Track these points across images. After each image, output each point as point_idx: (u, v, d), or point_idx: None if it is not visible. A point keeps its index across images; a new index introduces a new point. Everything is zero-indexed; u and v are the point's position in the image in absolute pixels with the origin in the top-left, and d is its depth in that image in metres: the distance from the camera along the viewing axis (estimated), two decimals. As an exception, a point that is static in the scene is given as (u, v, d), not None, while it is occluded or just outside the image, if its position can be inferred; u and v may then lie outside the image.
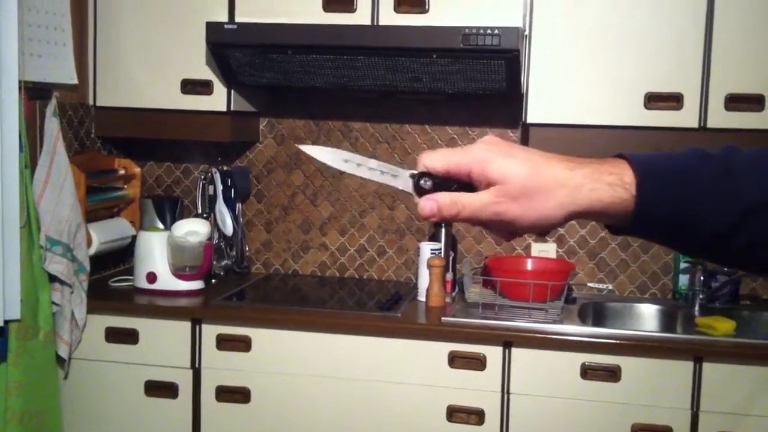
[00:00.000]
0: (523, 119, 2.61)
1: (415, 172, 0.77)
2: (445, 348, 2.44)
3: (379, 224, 3.07)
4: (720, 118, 2.49)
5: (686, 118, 2.52)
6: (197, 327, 2.57)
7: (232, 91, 2.76)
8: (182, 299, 2.67)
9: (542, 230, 0.75)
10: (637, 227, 0.74)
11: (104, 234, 2.78)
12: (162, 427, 2.60)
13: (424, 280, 2.68)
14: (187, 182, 3.18)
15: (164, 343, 2.59)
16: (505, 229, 0.76)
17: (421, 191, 0.77)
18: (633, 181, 0.72)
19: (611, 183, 0.72)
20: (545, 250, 2.94)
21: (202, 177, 3.00)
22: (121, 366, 2.61)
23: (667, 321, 2.79)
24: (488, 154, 0.74)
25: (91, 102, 2.84)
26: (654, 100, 2.53)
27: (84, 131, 2.84)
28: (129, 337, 2.60)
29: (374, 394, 2.48)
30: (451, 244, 2.83)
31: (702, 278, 2.70)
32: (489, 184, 0.74)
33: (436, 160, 0.76)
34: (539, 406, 2.40)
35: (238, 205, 3.05)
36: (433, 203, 0.75)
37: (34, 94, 2.51)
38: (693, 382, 2.33)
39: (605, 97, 2.56)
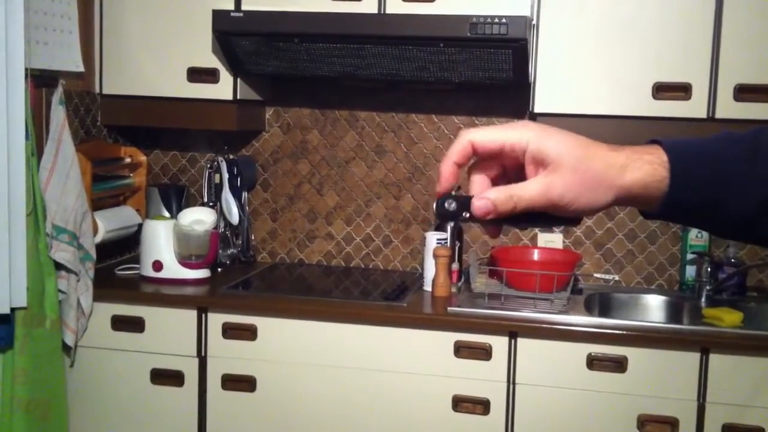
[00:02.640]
0: (531, 109, 2.60)
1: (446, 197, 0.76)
2: (451, 338, 2.43)
3: (385, 214, 3.06)
4: (729, 108, 2.48)
5: (695, 108, 2.50)
6: (203, 315, 2.57)
7: (239, 79, 2.76)
8: (188, 288, 2.67)
9: (591, 213, 0.75)
10: (669, 206, 0.74)
11: (110, 222, 2.78)
12: (168, 416, 2.60)
13: (430, 270, 2.67)
14: (193, 171, 3.18)
15: (170, 331, 2.59)
16: (558, 213, 0.75)
17: (445, 214, 0.76)
18: (667, 160, 0.73)
19: (651, 161, 0.74)
20: (552, 240, 2.93)
21: (208, 166, 2.99)
22: (127, 354, 2.61)
23: (674, 312, 2.78)
24: (542, 129, 0.75)
25: (97, 90, 2.84)
26: (662, 90, 2.52)
27: (90, 119, 2.83)
28: (135, 325, 2.60)
29: (380, 384, 2.48)
30: (457, 234, 2.83)
31: (709, 269, 2.69)
32: (540, 163, 0.74)
33: (488, 134, 0.75)
34: (545, 397, 2.40)
35: (244, 194, 3.05)
36: (487, 201, 0.74)
37: (41, 81, 2.50)
38: (699, 373, 2.32)
39: (613, 87, 2.55)
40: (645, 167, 0.73)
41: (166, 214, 2.92)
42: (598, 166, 0.73)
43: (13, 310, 2.35)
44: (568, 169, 0.73)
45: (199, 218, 2.70)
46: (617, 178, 0.73)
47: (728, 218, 0.75)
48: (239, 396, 2.56)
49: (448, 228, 2.77)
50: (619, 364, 2.35)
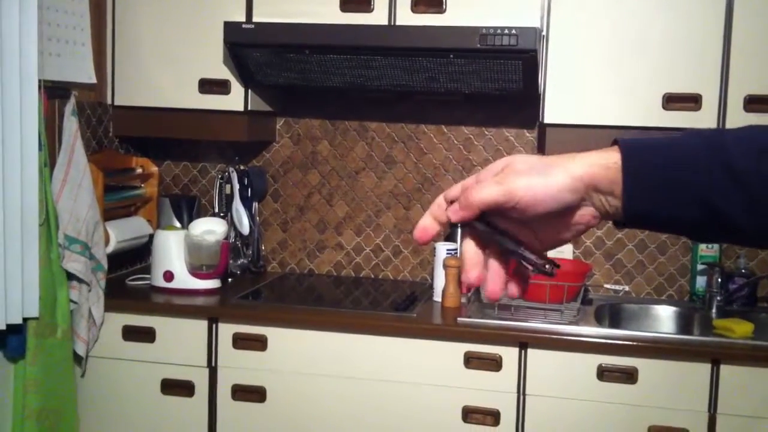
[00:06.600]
0: (540, 119, 2.61)
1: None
2: (461, 349, 2.43)
3: (395, 224, 3.07)
4: (739, 119, 2.48)
5: (705, 119, 2.50)
6: (214, 326, 2.58)
7: (250, 90, 2.77)
8: (199, 298, 2.68)
9: (548, 204, 0.75)
10: (629, 193, 0.75)
11: (122, 233, 2.79)
12: (178, 426, 2.61)
13: (439, 280, 2.67)
14: (204, 181, 3.20)
15: (181, 341, 2.60)
16: (518, 214, 0.76)
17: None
18: (617, 149, 0.77)
19: (602, 150, 0.77)
20: (561, 250, 2.93)
21: (219, 176, 3.01)
22: (137, 364, 2.62)
23: (684, 323, 2.77)
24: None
25: (109, 101, 2.86)
26: (672, 101, 2.52)
27: (102, 130, 2.85)
28: (146, 335, 2.61)
29: (390, 395, 2.48)
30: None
31: (719, 280, 2.68)
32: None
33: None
34: (555, 408, 2.40)
35: (255, 205, 3.06)
36: (453, 206, 0.77)
37: (54, 93, 2.53)
38: (710, 384, 2.32)
39: (623, 97, 2.55)
40: (593, 155, 0.76)
41: (177, 224, 2.93)
42: (548, 158, 0.76)
43: (25, 320, 2.36)
44: (519, 161, 0.75)
45: (210, 228, 2.71)
46: (569, 161, 0.75)
47: (689, 208, 0.74)
48: (249, 406, 2.56)
49: (458, 238, 2.77)
50: (629, 375, 2.35)
